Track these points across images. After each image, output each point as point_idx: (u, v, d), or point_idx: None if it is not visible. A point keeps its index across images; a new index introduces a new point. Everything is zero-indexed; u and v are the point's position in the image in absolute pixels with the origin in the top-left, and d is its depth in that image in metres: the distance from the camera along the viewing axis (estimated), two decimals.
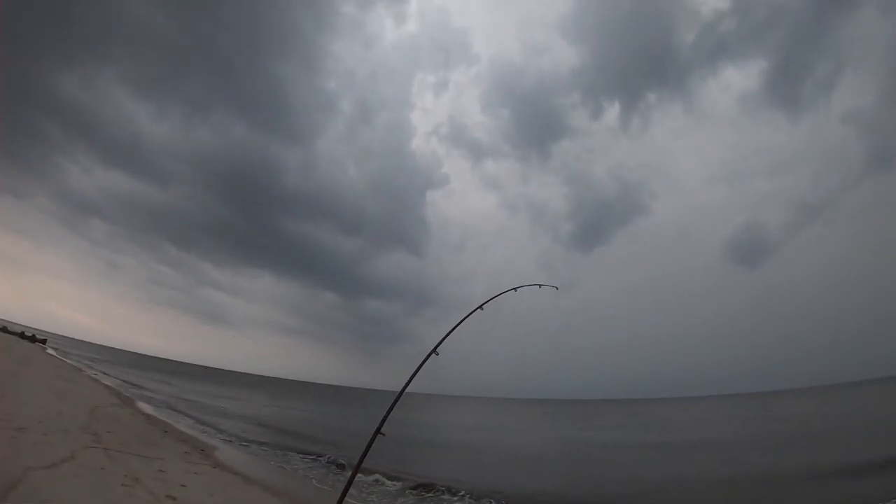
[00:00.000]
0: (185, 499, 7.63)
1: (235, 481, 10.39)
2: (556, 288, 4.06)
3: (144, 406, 22.54)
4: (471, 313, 3.30)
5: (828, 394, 77.23)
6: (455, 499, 12.26)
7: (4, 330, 56.43)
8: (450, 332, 3.07)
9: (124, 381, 37.06)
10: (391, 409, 2.57)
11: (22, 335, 57.89)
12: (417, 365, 2.83)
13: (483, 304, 3.38)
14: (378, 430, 2.48)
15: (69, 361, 42.72)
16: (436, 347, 2.85)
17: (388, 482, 13.51)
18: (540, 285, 4.06)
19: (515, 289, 3.86)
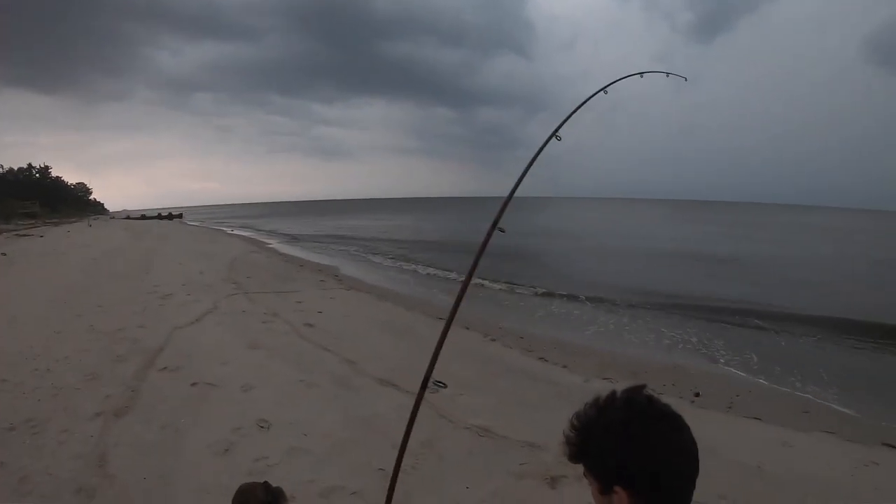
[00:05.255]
0: (322, 324, 7.93)
1: (369, 300, 10.86)
2: (685, 79, 3.67)
3: (280, 247, 24.80)
4: (593, 95, 2.68)
5: None
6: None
7: (143, 217, 64.12)
8: (571, 114, 2.50)
9: (259, 229, 41.22)
10: (508, 199, 2.14)
11: (159, 216, 65.71)
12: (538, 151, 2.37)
13: (607, 87, 2.73)
14: (495, 225, 2.09)
15: (206, 226, 48.12)
16: (557, 130, 2.39)
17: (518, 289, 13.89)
18: (668, 74, 3.37)
19: (641, 74, 3.09)
